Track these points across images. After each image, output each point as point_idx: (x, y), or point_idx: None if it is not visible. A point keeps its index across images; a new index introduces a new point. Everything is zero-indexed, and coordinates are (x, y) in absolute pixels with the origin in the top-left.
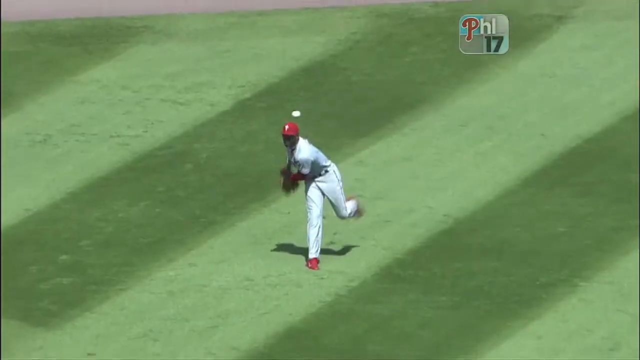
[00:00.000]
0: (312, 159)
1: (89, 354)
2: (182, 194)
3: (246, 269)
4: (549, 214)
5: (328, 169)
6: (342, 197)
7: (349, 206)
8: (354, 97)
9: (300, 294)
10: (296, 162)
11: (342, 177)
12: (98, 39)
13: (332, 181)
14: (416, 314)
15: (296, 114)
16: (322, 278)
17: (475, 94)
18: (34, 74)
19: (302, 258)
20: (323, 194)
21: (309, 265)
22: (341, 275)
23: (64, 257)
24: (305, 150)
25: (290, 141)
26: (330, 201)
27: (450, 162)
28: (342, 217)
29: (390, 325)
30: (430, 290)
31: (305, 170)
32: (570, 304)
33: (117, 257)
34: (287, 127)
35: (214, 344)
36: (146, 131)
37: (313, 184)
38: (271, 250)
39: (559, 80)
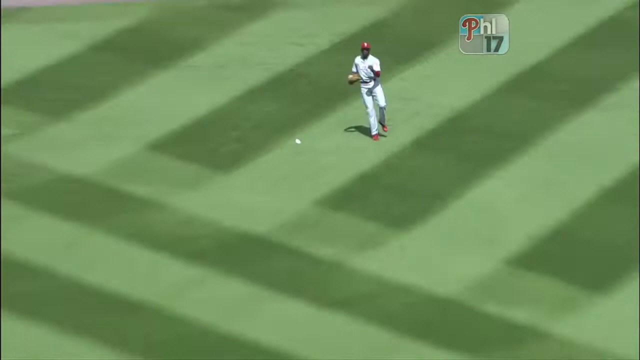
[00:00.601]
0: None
1: (247, 192)
2: (300, 98)
3: (337, 140)
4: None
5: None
6: (382, 94)
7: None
8: (398, 39)
9: (367, 154)
10: (366, 68)
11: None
12: (249, 6)
13: (377, 83)
14: (438, 165)
15: (298, 141)
16: (380, 145)
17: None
18: (210, 33)
19: (368, 134)
20: (371, 95)
21: (374, 138)
22: (391, 143)
23: (233, 133)
24: (375, 58)
25: (368, 51)
26: (374, 96)
27: (462, 76)
28: (381, 107)
29: (424, 172)
30: (444, 151)
31: (379, 67)
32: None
33: (261, 136)
34: (366, 43)
35: (314, 187)
36: (279, 61)
37: (365, 90)
38: (351, 130)
39: None
